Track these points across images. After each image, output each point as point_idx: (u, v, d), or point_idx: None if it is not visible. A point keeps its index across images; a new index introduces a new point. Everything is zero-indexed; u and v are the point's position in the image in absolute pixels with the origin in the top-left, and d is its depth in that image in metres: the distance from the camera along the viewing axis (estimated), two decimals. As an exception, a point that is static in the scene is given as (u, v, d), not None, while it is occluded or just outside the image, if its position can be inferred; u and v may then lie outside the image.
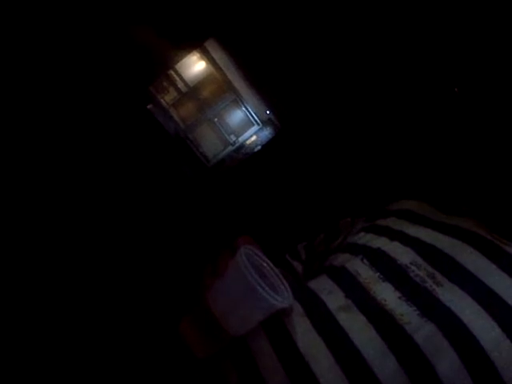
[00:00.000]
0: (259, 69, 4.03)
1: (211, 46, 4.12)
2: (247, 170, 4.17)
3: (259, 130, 4.43)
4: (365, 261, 1.08)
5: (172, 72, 4.13)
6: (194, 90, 4.29)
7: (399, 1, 2.82)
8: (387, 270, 1.02)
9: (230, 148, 4.47)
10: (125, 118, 3.78)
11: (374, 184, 2.78)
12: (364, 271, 1.08)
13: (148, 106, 4.06)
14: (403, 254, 1.05)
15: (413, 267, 1.00)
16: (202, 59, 4.17)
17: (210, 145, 4.40)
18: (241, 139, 4.47)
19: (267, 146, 4.22)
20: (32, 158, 3.30)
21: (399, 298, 0.91)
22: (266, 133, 4.29)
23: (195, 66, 4.25)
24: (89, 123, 3.57)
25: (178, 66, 4.11)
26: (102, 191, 3.46)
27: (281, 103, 4.11)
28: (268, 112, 4.22)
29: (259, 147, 4.27)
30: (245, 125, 4.49)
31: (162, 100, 4.16)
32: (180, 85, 4.24)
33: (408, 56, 2.84)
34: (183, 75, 4.22)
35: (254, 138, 4.42)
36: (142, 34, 3.68)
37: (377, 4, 3.03)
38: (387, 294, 0.94)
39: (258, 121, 4.43)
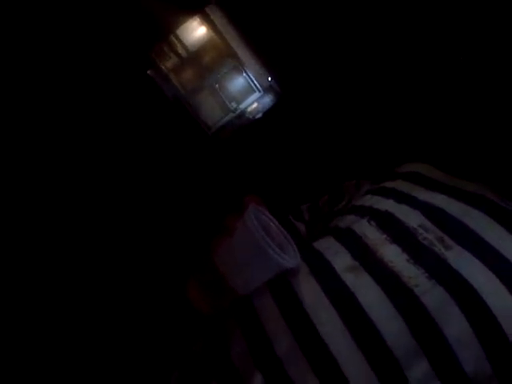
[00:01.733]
0: (261, 35, 3.98)
1: (212, 10, 4.05)
2: (248, 136, 4.17)
3: (261, 97, 4.38)
4: (372, 222, 1.09)
5: (172, 37, 4.07)
6: (194, 56, 4.23)
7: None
8: (394, 232, 1.03)
9: (231, 115, 4.43)
10: (125, 83, 3.76)
11: (380, 146, 2.78)
12: (371, 233, 1.09)
13: (148, 72, 4.03)
14: (411, 217, 1.06)
15: (421, 230, 1.01)
16: (203, 24, 4.10)
17: (211, 112, 4.36)
18: (242, 106, 4.42)
19: (269, 112, 4.20)
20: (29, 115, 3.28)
21: (407, 260, 0.92)
22: (268, 100, 4.26)
23: (196, 31, 4.18)
24: (88, 89, 3.55)
25: (178, 31, 4.05)
26: (103, 155, 3.46)
27: (283, 70, 4.08)
28: (270, 79, 4.18)
29: (260, 114, 4.25)
30: (246, 92, 4.43)
31: (162, 65, 4.11)
32: (180, 50, 4.17)
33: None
34: (184, 40, 4.16)
35: (255, 105, 4.38)
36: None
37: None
38: (394, 256, 0.96)
39: (260, 88, 4.37)
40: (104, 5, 3.48)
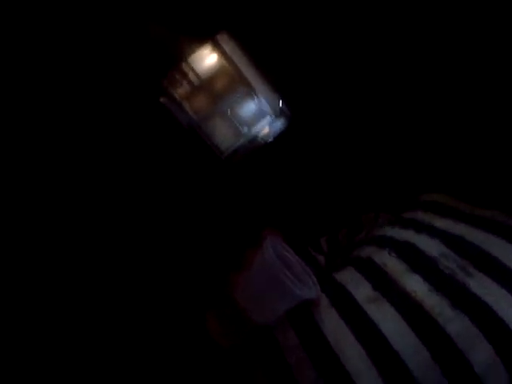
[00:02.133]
0: (271, 60, 4.03)
1: (223, 38, 4.12)
2: (261, 161, 4.19)
3: (272, 121, 4.42)
4: (392, 253, 1.08)
5: (184, 65, 4.14)
6: (206, 83, 4.29)
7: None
8: (415, 261, 1.01)
9: (243, 139, 4.48)
10: (138, 110, 3.81)
11: (397, 178, 2.76)
12: (391, 263, 1.08)
13: (161, 99, 4.08)
14: (431, 246, 1.05)
15: (442, 259, 0.99)
16: (214, 52, 4.17)
17: (223, 136, 4.41)
18: (253, 130, 4.46)
19: (280, 137, 4.23)
20: (42, 147, 3.33)
21: (429, 289, 0.91)
22: (279, 124, 4.30)
23: (207, 58, 4.25)
24: (102, 115, 3.61)
25: (190, 59, 4.12)
26: (116, 183, 3.49)
27: (293, 94, 4.11)
28: (281, 103, 4.22)
29: (271, 138, 4.27)
30: (257, 116, 4.48)
31: (174, 93, 4.17)
32: (192, 78, 4.23)
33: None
34: (196, 68, 4.22)
35: (266, 129, 4.42)
36: (155, 28, 3.70)
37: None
38: (416, 286, 0.94)
39: (271, 112, 4.42)
40: (116, 33, 3.55)
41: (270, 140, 4.25)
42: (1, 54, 3.05)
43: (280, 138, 4.21)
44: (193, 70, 4.27)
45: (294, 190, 3.66)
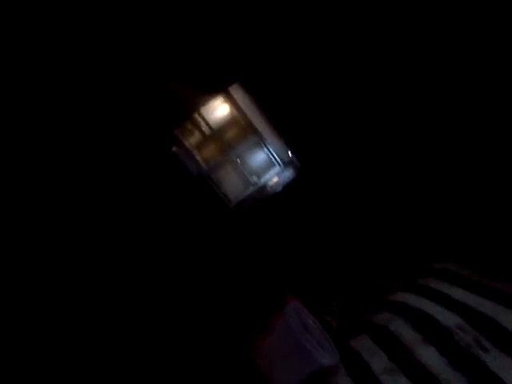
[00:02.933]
0: (281, 112, 4.12)
1: (234, 90, 4.25)
2: (269, 210, 4.20)
3: (281, 171, 4.48)
4: (407, 322, 1.07)
5: (196, 115, 4.25)
6: (217, 133, 4.39)
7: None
8: (431, 332, 1.00)
9: (252, 189, 4.51)
10: (151, 159, 3.87)
11: (409, 244, 2.73)
12: (407, 333, 1.07)
13: (173, 149, 4.16)
14: (447, 317, 1.03)
15: (458, 331, 0.98)
16: (226, 103, 4.29)
17: (232, 185, 4.46)
18: (262, 180, 4.52)
19: (289, 187, 4.26)
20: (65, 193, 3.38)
21: (445, 363, 0.89)
22: (288, 174, 4.35)
23: (219, 109, 4.37)
24: (117, 164, 3.67)
25: (202, 110, 4.24)
26: (128, 232, 3.51)
27: (302, 145, 4.17)
28: (290, 154, 4.29)
29: (280, 188, 4.31)
30: (266, 166, 4.55)
31: (186, 142, 4.26)
32: (204, 127, 4.34)
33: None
34: (207, 118, 4.34)
35: (275, 179, 4.46)
36: (170, 80, 3.82)
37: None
38: (432, 358, 0.93)
39: (280, 162, 4.48)
40: (135, 85, 3.66)
41: (279, 190, 4.28)
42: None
43: (289, 188, 4.24)
44: (204, 120, 4.39)
45: (303, 246, 3.65)
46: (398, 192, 3.16)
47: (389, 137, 3.32)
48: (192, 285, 3.41)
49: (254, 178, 4.57)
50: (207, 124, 4.35)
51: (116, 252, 3.42)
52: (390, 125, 3.28)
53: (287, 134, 4.25)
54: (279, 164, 4.52)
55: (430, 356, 0.97)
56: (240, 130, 4.45)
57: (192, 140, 4.32)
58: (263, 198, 4.37)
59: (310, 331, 1.01)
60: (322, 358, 0.96)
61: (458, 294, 1.12)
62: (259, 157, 4.58)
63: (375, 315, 1.29)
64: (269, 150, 4.50)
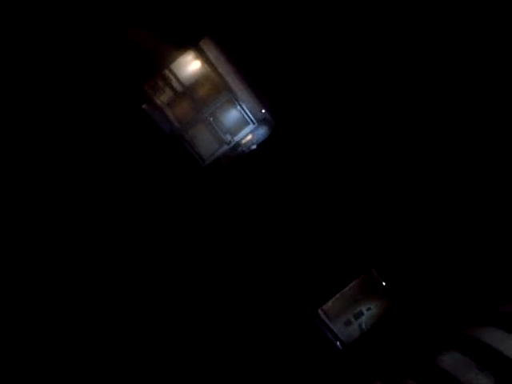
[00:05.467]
0: (254, 68, 4.03)
1: (206, 45, 4.10)
2: (243, 168, 4.17)
3: (254, 128, 4.42)
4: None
5: (167, 72, 4.11)
6: (189, 90, 4.27)
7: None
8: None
9: (226, 147, 4.46)
10: (120, 116, 3.75)
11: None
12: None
13: (143, 106, 4.03)
14: None
15: None
16: (197, 59, 4.15)
17: (206, 144, 4.39)
18: (236, 138, 4.46)
19: (263, 144, 4.22)
20: (28, 154, 3.27)
21: None
22: (262, 131, 4.30)
23: (190, 65, 4.24)
24: (84, 121, 3.55)
25: (173, 66, 4.09)
26: (97, 190, 3.43)
27: (276, 102, 4.11)
28: (263, 111, 4.22)
29: (255, 146, 4.27)
30: (240, 124, 4.49)
31: (157, 99, 4.13)
32: (175, 84, 4.21)
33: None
34: (178, 75, 4.20)
35: (249, 136, 4.41)
36: (138, 34, 3.65)
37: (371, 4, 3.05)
38: None
39: (254, 120, 4.42)
40: (101, 41, 3.50)
41: (253, 148, 4.23)
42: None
43: (264, 145, 4.20)
44: (176, 76, 4.24)
45: (272, 196, 3.63)
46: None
47: (365, 89, 3.29)
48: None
49: (228, 137, 4.51)
50: (178, 81, 4.21)
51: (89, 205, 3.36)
52: (366, 76, 3.25)
53: (261, 90, 4.17)
54: (253, 122, 4.46)
55: None
56: (213, 88, 4.34)
57: (163, 97, 4.20)
58: (238, 157, 4.33)
59: None
60: None
61: None
62: (232, 115, 4.50)
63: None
64: (242, 108, 4.42)
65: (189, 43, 4.08)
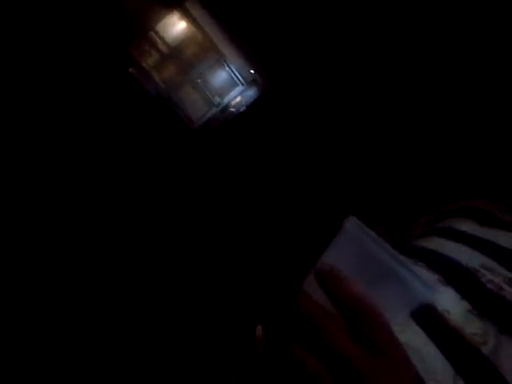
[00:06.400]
0: (242, 26, 3.94)
1: (191, 4, 4.00)
2: (232, 131, 4.15)
3: (244, 90, 4.37)
4: (419, 263, 0.86)
5: (152, 33, 4.03)
6: (175, 51, 4.20)
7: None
8: (449, 272, 0.81)
9: (215, 109, 4.42)
10: (106, 81, 3.70)
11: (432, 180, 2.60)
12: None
13: (129, 69, 3.98)
14: (470, 257, 0.84)
15: (484, 271, 0.79)
16: (183, 19, 4.06)
17: (194, 107, 4.35)
18: (225, 100, 4.42)
19: (252, 106, 4.18)
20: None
21: (468, 310, 0.75)
22: (251, 93, 4.25)
23: (176, 26, 4.14)
24: (69, 86, 3.50)
25: (158, 27, 4.01)
26: (85, 157, 3.43)
27: (266, 62, 4.05)
28: (253, 72, 4.16)
29: (244, 108, 4.23)
30: (229, 85, 4.43)
31: (143, 62, 4.07)
32: (161, 46, 4.14)
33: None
34: (164, 36, 4.12)
35: (238, 98, 4.37)
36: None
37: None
38: (451, 304, 0.76)
39: (243, 81, 4.36)
40: (83, 4, 3.41)
41: (242, 109, 4.21)
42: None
43: (253, 107, 4.17)
44: (161, 38, 4.15)
45: (262, 160, 3.63)
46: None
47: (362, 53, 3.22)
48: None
49: (217, 98, 4.47)
50: (164, 42, 4.14)
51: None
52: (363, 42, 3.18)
53: (249, 50, 4.10)
54: (242, 83, 4.40)
55: (448, 302, 0.75)
56: (200, 48, 4.26)
57: (149, 60, 4.13)
58: (227, 119, 4.30)
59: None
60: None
61: (487, 233, 0.93)
62: (221, 76, 4.44)
63: None
64: (230, 69, 4.36)
65: (173, 3, 3.99)
